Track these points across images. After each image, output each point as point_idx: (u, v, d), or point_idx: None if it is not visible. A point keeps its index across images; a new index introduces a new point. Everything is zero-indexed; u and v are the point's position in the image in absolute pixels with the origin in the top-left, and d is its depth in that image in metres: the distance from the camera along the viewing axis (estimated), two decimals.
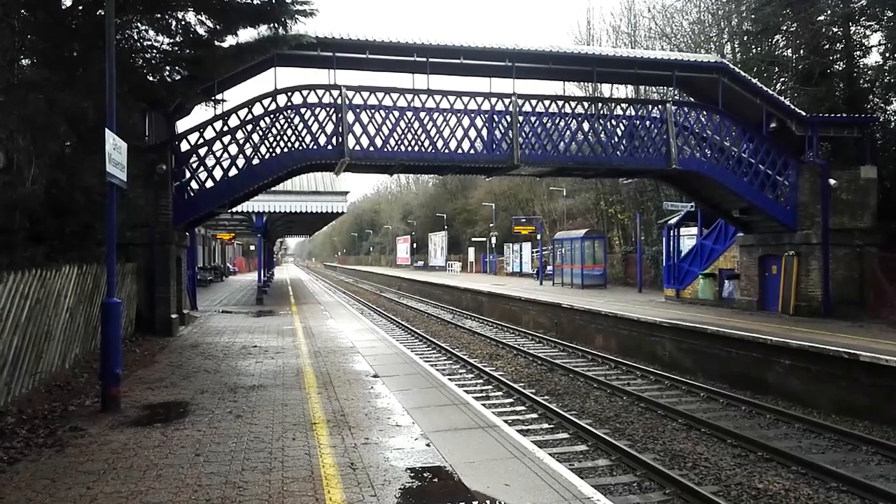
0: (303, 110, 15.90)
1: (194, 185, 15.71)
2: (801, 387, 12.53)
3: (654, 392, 13.34)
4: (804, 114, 18.86)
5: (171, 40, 12.62)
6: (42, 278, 8.37)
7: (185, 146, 15.56)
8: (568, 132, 17.43)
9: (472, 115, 16.84)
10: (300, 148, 15.83)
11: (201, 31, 12.67)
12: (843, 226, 18.24)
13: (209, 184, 15.65)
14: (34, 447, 6.25)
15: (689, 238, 25.53)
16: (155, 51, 12.67)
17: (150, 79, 12.80)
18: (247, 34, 13.66)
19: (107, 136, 7.59)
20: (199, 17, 12.39)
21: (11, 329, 7.47)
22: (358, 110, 16.11)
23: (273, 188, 20.38)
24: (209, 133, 15.61)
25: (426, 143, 16.53)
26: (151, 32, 12.35)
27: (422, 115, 16.52)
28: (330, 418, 7.36)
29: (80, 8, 11.12)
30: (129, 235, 13.42)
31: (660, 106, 18.20)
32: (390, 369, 10.64)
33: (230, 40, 13.57)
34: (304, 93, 15.97)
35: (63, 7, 11.12)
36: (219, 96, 15.56)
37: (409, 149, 16.45)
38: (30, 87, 9.53)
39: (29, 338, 8.01)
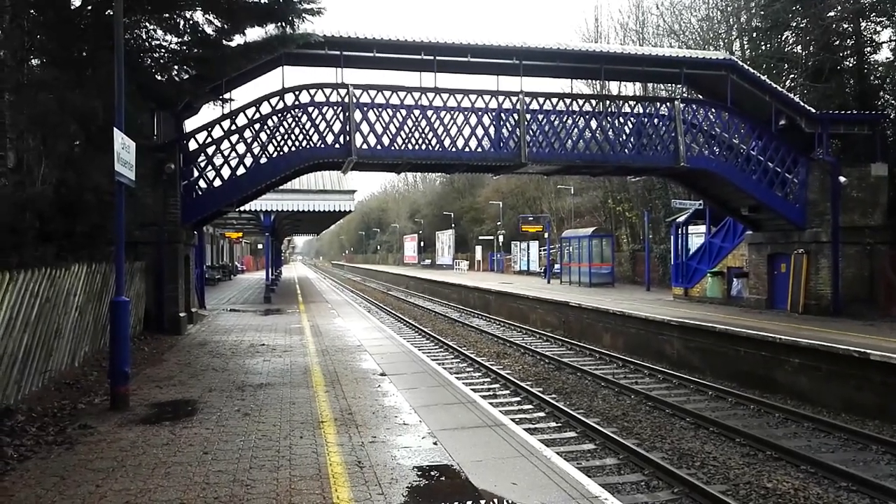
0: (310, 109, 15.92)
1: (202, 183, 15.76)
2: (810, 386, 12.46)
3: (662, 391, 13.29)
4: (814, 111, 18.72)
5: (179, 40, 12.67)
6: (52, 277, 8.42)
7: (193, 145, 15.62)
8: (576, 130, 17.39)
9: (480, 113, 16.82)
10: (308, 146, 15.85)
11: (209, 30, 12.71)
12: (854, 224, 18.11)
13: (217, 182, 15.70)
14: (44, 445, 6.29)
15: (697, 236, 25.42)
16: (163, 50, 12.72)
17: (159, 78, 12.85)
18: (254, 33, 13.70)
19: (116, 135, 7.63)
20: (207, 16, 12.43)
21: (22, 327, 7.52)
22: (365, 109, 16.12)
23: (281, 187, 20.39)
24: (217, 132, 15.65)
25: (433, 142, 16.53)
26: (159, 32, 12.40)
27: (429, 113, 16.51)
28: (337, 417, 7.37)
29: (89, 8, 11.17)
30: (137, 234, 13.49)
31: (668, 103, 18.10)
32: (398, 368, 10.65)
33: (238, 39, 13.61)
34: (312, 91, 15.99)
35: (72, 7, 11.18)
36: (226, 95, 15.59)
37: (417, 147, 16.45)
38: (39, 87, 9.60)
39: (39, 336, 8.06)
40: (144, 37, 12.31)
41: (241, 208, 21.56)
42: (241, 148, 15.67)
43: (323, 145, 15.88)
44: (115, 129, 7.69)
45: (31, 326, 7.77)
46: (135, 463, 5.78)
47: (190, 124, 16.97)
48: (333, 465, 5.71)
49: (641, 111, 17.90)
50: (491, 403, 9.28)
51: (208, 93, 14.66)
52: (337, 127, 15.94)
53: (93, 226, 10.57)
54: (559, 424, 10.74)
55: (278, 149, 15.80)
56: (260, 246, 67.91)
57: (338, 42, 15.91)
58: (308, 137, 15.85)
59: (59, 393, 8.29)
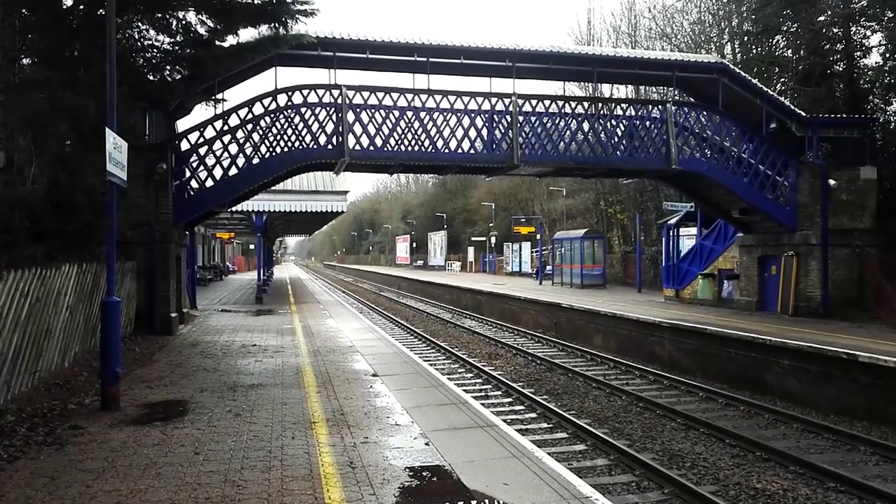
0: (303, 110, 15.90)
1: (194, 184, 15.70)
2: (799, 387, 12.54)
3: (652, 392, 13.35)
4: (804, 114, 18.85)
5: (172, 40, 12.66)
6: (42, 277, 8.39)
7: (185, 145, 15.56)
8: (568, 132, 17.44)
9: (472, 114, 16.85)
10: (300, 147, 15.83)
11: (202, 30, 12.71)
12: (843, 226, 18.25)
13: (209, 183, 15.65)
14: (34, 445, 6.26)
15: (688, 238, 25.52)
16: (155, 50, 12.70)
17: (151, 78, 12.84)
18: (247, 34, 13.70)
19: (107, 135, 7.61)
20: (200, 16, 12.43)
21: (11, 327, 7.48)
22: (358, 110, 16.12)
23: (273, 187, 20.38)
24: (209, 132, 15.60)
25: (426, 143, 16.54)
26: (152, 32, 12.40)
27: (422, 114, 16.52)
28: (329, 417, 7.37)
29: (81, 7, 11.14)
30: (129, 234, 13.44)
31: (660, 106, 18.21)
32: (389, 368, 10.65)
33: (230, 40, 13.60)
34: (305, 92, 15.98)
35: (64, 6, 11.14)
36: (219, 96, 15.56)
37: (409, 148, 16.46)
38: (31, 87, 9.56)
39: (29, 336, 8.02)
40: (137, 36, 12.30)
41: (233, 209, 21.51)
42: (233, 148, 15.63)
43: (315, 146, 15.87)
44: (106, 128, 7.67)
45: (20, 326, 7.74)
46: (125, 464, 5.77)
47: (182, 125, 16.93)
48: (325, 466, 5.72)
49: (633, 114, 17.99)
50: (483, 404, 9.32)
51: (200, 93, 14.63)
52: (330, 128, 15.93)
53: (84, 226, 10.53)
54: (551, 425, 10.77)
55: (271, 149, 15.77)
56: (252, 246, 67.77)
57: (331, 43, 15.89)
58: (301, 138, 15.83)
59: (49, 393, 8.25)
